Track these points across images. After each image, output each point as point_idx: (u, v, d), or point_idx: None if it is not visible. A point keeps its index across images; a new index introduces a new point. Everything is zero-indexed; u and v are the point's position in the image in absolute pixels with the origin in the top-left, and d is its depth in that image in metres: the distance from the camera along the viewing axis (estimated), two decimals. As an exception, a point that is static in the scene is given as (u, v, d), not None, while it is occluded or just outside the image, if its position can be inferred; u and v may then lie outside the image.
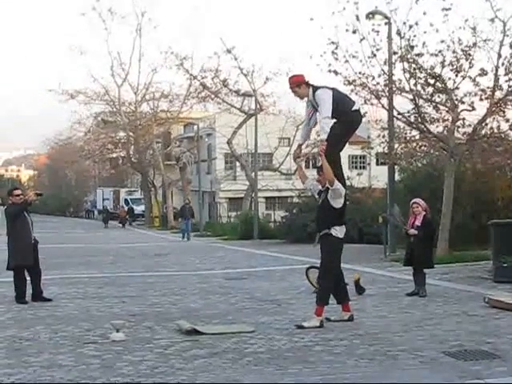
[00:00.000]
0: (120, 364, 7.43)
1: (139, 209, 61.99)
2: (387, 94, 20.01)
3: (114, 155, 63.31)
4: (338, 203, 9.52)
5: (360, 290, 12.74)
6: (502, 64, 18.38)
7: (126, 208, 61.74)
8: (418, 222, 12.52)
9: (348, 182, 31.92)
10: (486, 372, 6.89)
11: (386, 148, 21.37)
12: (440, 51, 18.82)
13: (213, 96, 45.37)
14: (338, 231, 9.48)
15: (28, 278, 12.48)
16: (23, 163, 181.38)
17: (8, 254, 12.49)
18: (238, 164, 50.06)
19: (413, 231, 12.54)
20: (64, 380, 6.80)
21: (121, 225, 55.20)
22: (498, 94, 18.70)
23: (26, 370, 7.21)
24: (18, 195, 12.57)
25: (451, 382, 6.59)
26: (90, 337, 8.97)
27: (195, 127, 51.89)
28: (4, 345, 8.59)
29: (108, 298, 12.73)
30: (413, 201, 12.92)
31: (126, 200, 68.22)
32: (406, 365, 7.27)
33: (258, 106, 38.80)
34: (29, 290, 12.41)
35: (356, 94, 19.45)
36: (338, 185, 9.41)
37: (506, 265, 13.96)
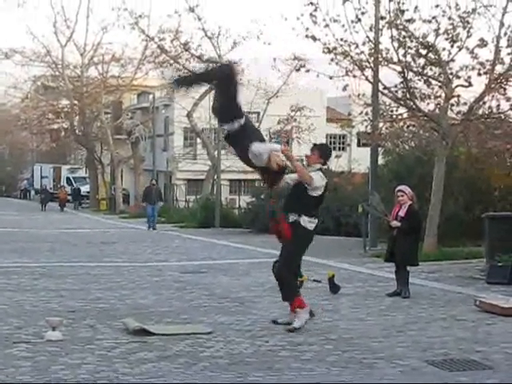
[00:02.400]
0: (55, 367, 7.40)
1: (86, 189, 61.52)
2: (372, 64, 20.05)
3: (56, 126, 62.72)
4: (315, 192, 9.64)
5: (334, 288, 12.82)
6: (505, 34, 18.52)
7: (67, 188, 61.20)
8: (402, 213, 12.60)
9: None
10: (473, 384, 7.00)
11: (369, 127, 21.44)
12: (434, 17, 18.90)
13: (172, 61, 45.00)
14: (308, 222, 9.53)
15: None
16: None
17: None
18: (198, 141, 49.93)
19: (395, 223, 12.62)
20: (-11, 384, 6.77)
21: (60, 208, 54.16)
22: (499, 69, 18.84)
23: None
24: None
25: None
26: (22, 335, 8.92)
27: (150, 97, 51.61)
28: None
29: (44, 292, 12.67)
30: (397, 188, 13.00)
31: (68, 179, 67.74)
32: (383, 374, 7.35)
33: (224, 75, 38.65)
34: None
35: (337, 63, 19.49)
36: (316, 182, 9.54)
37: (500, 264, 14.14)
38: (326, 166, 10.51)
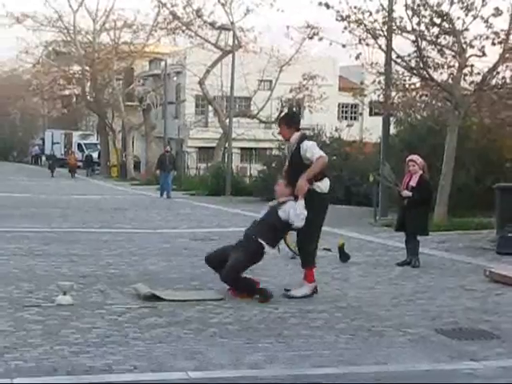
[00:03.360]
0: (66, 331, 7.46)
1: (96, 156, 61.37)
2: (385, 33, 19.94)
3: (67, 92, 62.70)
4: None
5: (344, 257, 12.86)
6: (520, 3, 18.37)
7: (77, 154, 61.00)
8: (412, 183, 12.58)
9: (336, 134, 32.27)
10: (482, 353, 7.02)
11: (382, 96, 21.36)
12: (449, -15, 18.74)
13: (184, 28, 44.84)
14: (321, 186, 9.44)
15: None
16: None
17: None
18: (210, 108, 49.87)
19: (406, 193, 12.60)
20: (0, 347, 6.81)
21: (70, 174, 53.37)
22: (514, 39, 18.71)
23: (-44, 335, 7.23)
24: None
25: (442, 362, 6.71)
26: (33, 299, 8.98)
27: (162, 64, 51.42)
28: None
29: (55, 256, 12.72)
30: (409, 158, 12.96)
31: (79, 145, 67.76)
32: (392, 342, 7.38)
33: (236, 42, 38.51)
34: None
35: (350, 32, 19.39)
36: (319, 153, 9.39)
37: (511, 235, 14.13)
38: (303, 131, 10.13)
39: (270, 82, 46.68)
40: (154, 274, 11.23)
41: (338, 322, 8.20)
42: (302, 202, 9.28)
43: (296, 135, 9.58)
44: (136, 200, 30.06)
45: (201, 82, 43.90)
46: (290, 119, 10.00)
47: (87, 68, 53.40)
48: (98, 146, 61.90)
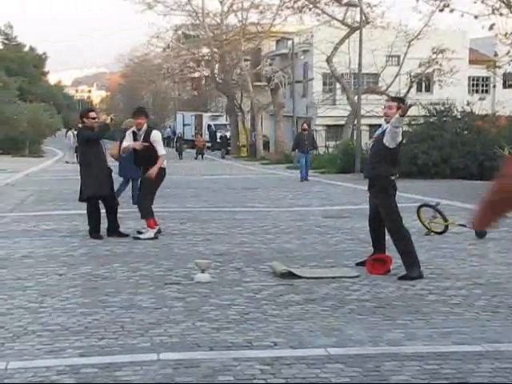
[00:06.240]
0: (206, 308, 7.62)
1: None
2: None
3: (197, 75, 63.69)
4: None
5: (480, 232, 12.56)
6: None
7: (207, 135, 60.99)
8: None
9: (468, 108, 31.50)
10: None
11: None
12: None
13: (311, 6, 44.69)
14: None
15: (103, 211, 12.82)
16: (95, 83, 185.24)
17: (81, 183, 12.83)
18: (338, 86, 49.56)
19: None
20: (144, 323, 7.02)
21: (200, 156, 52.63)
22: None
23: (103, 311, 7.49)
24: (93, 118, 12.83)
25: None
26: (172, 277, 9.21)
27: (289, 43, 51.47)
28: (79, 282, 8.92)
29: (191, 236, 12.98)
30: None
31: (209, 126, 68.52)
32: (535, 320, 7.18)
33: (364, 18, 38.06)
34: (104, 224, 12.76)
35: (482, 1, 18.85)
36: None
37: None
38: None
39: (398, 57, 46.00)
40: (288, 251, 11.30)
41: (477, 299, 8.03)
42: None
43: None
44: (266, 179, 30.26)
45: (328, 60, 43.66)
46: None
47: (216, 50, 54.04)
48: (228, 127, 62.52)
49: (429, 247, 11.36)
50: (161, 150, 12.54)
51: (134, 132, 12.69)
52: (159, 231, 12.72)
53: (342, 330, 6.80)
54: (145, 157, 12.41)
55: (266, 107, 54.96)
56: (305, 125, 30.10)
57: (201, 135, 59.32)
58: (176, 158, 52.27)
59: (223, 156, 54.72)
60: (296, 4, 46.08)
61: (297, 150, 30.28)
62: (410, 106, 9.14)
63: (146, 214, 12.57)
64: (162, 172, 12.59)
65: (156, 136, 12.55)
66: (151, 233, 12.46)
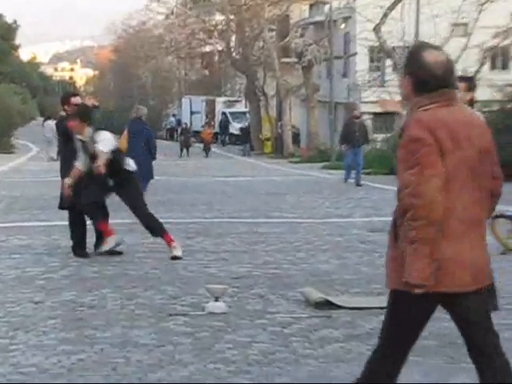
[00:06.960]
0: (220, 346, 7.65)
1: (237, 127, 61.10)
2: None
3: (208, 49, 63.80)
4: None
5: None
6: None
7: (218, 126, 60.35)
8: None
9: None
10: None
11: None
12: None
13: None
14: None
15: (88, 222, 12.84)
16: (78, 59, 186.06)
17: (61, 187, 12.82)
18: (388, 63, 49.50)
19: None
20: (143, 364, 7.07)
21: (205, 152, 53.21)
22: None
23: (91, 349, 7.53)
24: (76, 105, 12.65)
25: None
26: (178, 306, 9.26)
27: (326, 8, 51.46)
28: (59, 312, 8.99)
29: (201, 253, 13.03)
30: None
31: (223, 114, 68.15)
32: None
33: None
34: (91, 239, 12.82)
35: None
36: None
37: None
38: None
39: (466, 25, 45.87)
40: (325, 274, 11.31)
41: None
42: None
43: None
44: (296, 182, 30.27)
45: (376, 30, 43.59)
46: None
47: (232, 17, 54.07)
48: (247, 115, 62.29)
49: (504, 270, 11.35)
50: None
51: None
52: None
53: (399, 380, 6.81)
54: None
55: (296, 90, 54.96)
56: (356, 111, 29.47)
57: (206, 125, 58.85)
58: (183, 154, 52.26)
59: (247, 153, 54.69)
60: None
61: (343, 146, 29.33)
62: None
63: (159, 229, 12.60)
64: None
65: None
66: (179, 251, 12.43)
